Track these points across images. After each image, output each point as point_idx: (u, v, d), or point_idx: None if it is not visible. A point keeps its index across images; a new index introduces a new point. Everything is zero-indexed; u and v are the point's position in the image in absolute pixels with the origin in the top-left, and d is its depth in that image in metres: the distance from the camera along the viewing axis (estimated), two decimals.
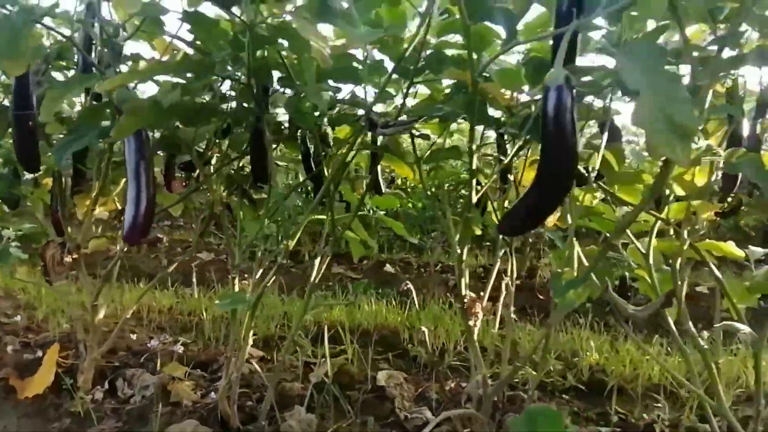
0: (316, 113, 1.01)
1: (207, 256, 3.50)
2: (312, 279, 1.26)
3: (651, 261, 1.20)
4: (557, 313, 0.96)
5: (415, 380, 1.58)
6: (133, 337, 1.89)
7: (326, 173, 1.51)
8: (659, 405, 1.57)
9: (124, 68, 1.10)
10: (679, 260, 1.05)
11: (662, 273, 1.36)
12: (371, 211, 1.77)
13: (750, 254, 1.34)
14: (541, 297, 2.98)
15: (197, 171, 1.38)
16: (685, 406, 1.65)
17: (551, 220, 1.21)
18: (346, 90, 1.13)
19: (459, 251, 1.01)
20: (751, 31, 0.93)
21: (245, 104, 0.97)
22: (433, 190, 1.46)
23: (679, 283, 1.02)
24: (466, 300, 1.01)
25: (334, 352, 1.88)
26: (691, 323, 0.98)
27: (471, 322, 1.02)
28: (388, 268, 3.58)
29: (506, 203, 1.39)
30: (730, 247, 1.35)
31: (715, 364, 1.40)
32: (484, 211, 1.55)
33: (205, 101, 0.95)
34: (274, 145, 1.55)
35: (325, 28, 0.96)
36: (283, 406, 1.31)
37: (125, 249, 1.51)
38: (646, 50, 0.60)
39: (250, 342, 1.19)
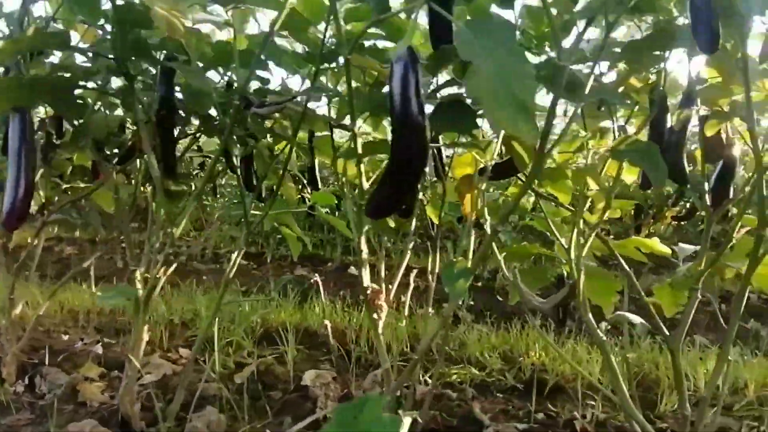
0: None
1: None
2: (226, 274, 1.22)
3: (572, 256, 1.18)
4: (450, 304, 0.93)
5: (344, 380, 1.54)
6: (65, 337, 1.84)
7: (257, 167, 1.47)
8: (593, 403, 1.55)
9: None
10: (583, 252, 1.02)
11: (593, 270, 1.36)
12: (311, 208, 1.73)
13: (679, 251, 1.33)
14: (500, 298, 2.96)
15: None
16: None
17: (467, 210, 1.18)
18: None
19: (358, 242, 0.98)
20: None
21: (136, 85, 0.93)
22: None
23: (582, 277, 1.00)
24: (368, 292, 0.98)
25: (273, 352, 1.84)
26: (591, 316, 0.96)
27: (375, 315, 0.99)
28: (353, 270, 3.54)
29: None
30: (656, 244, 1.34)
31: (624, 358, 1.39)
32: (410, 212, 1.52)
33: (69, 76, 0.91)
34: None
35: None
36: (200, 407, 1.27)
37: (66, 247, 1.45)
38: (494, 26, 0.58)
39: (145, 338, 1.15)
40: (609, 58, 1.03)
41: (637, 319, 0.87)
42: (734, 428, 1.53)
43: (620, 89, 1.13)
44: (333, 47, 1.02)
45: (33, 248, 1.49)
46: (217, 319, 2.08)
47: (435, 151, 1.41)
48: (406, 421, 0.45)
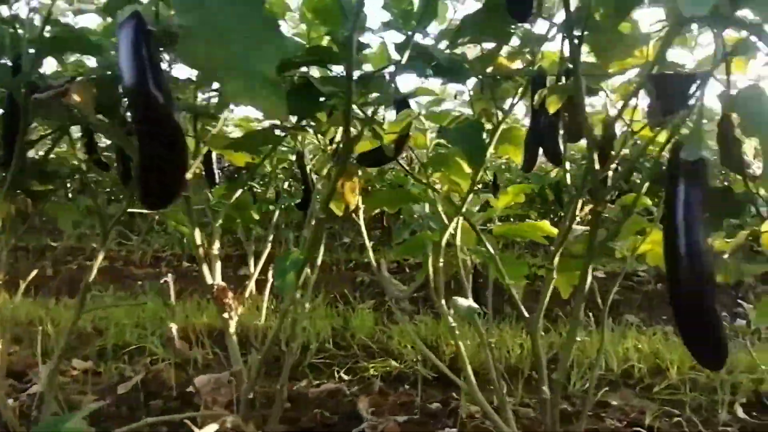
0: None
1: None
2: (87, 278, 1.14)
3: (456, 243, 1.15)
4: (286, 299, 0.88)
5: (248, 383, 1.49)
6: None
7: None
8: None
9: None
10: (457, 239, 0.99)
11: (501, 256, 1.33)
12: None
13: (573, 232, 1.31)
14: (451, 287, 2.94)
15: None
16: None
17: (349, 200, 1.14)
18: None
19: (196, 237, 0.92)
20: None
21: None
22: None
23: (441, 263, 0.97)
24: (214, 290, 0.92)
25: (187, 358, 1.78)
26: (444, 301, 0.92)
27: (225, 315, 0.94)
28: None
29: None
30: (546, 225, 1.32)
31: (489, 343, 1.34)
32: (307, 204, 1.47)
33: None
34: None
35: None
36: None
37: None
38: None
39: None
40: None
41: (465, 302, 0.84)
42: (651, 410, 1.52)
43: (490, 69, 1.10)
44: None
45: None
46: (133, 326, 2.02)
47: None
48: None
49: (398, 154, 1.09)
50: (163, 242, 3.93)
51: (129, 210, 1.14)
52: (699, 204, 0.59)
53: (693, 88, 0.60)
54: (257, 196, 1.79)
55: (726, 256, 0.86)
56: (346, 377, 1.69)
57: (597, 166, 0.76)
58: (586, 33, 0.73)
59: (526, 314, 0.96)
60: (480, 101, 1.32)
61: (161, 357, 1.76)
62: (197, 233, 0.91)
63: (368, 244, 1.03)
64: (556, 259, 0.93)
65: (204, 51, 0.46)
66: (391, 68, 1.05)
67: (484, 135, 0.76)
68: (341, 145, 1.02)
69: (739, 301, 2.70)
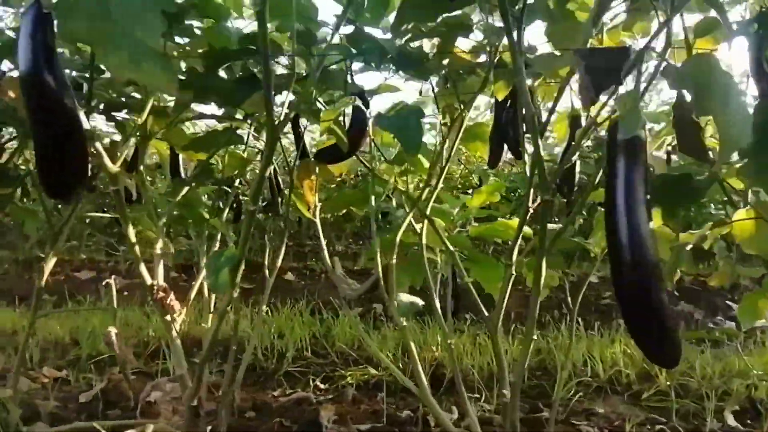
0: None
1: (86, 275, 3.29)
2: (38, 284, 1.11)
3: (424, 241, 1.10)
4: (223, 302, 0.84)
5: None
6: None
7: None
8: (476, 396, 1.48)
9: None
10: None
11: (479, 257, 1.28)
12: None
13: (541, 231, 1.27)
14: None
15: None
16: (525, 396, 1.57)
17: (308, 198, 1.10)
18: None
19: (130, 234, 0.88)
20: None
21: None
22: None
23: (394, 260, 0.92)
24: (154, 291, 0.88)
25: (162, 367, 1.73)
26: (395, 303, 0.87)
27: (168, 317, 0.90)
28: (288, 276, 3.43)
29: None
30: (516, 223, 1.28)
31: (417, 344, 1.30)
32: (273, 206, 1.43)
33: None
34: None
35: None
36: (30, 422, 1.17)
37: None
38: None
39: None
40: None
41: (408, 298, 0.79)
42: (640, 418, 1.46)
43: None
44: None
45: None
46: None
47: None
48: None
49: (354, 149, 1.05)
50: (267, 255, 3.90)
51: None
52: (638, 186, 0.55)
53: (628, 62, 0.55)
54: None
55: (689, 247, 0.81)
56: (322, 386, 1.64)
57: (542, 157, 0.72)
58: (526, 16, 0.70)
59: (486, 313, 0.91)
60: (445, 97, 1.29)
61: (134, 367, 1.72)
62: (131, 230, 0.88)
63: (323, 243, 0.99)
64: (514, 256, 0.88)
65: (86, 26, 0.43)
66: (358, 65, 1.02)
67: (425, 122, 0.72)
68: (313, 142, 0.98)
69: (731, 304, 2.62)
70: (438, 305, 1.08)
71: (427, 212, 1.14)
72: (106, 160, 0.81)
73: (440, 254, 1.32)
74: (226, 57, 0.86)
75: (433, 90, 1.23)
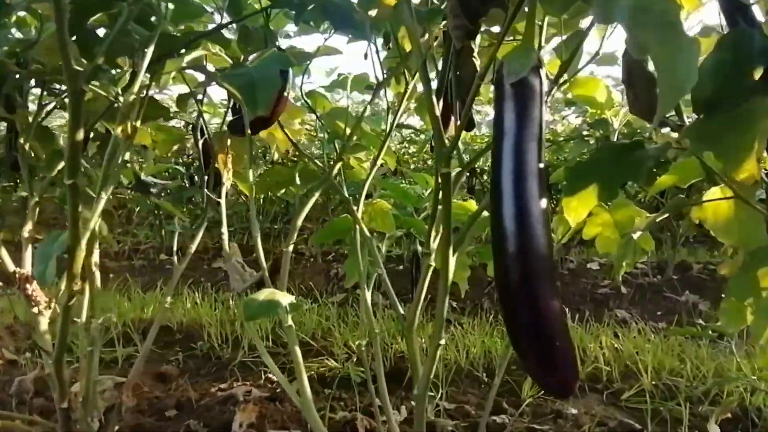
0: None
1: None
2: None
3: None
4: (62, 293, 0.71)
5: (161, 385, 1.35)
6: None
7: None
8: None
9: None
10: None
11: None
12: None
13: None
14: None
15: None
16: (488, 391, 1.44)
17: (225, 177, 0.97)
18: None
19: None
20: None
21: None
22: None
23: (289, 249, 0.79)
24: (17, 279, 0.77)
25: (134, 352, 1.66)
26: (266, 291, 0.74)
27: (35, 309, 0.78)
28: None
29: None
30: (472, 205, 1.13)
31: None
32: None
33: None
34: None
35: None
36: None
37: None
38: None
39: None
40: None
41: (265, 296, 0.65)
42: (616, 419, 1.31)
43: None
44: None
45: None
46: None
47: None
48: None
49: (271, 118, 0.91)
50: (144, 236, 3.86)
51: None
52: (528, 148, 0.40)
53: None
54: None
55: (637, 235, 0.65)
56: (275, 378, 1.53)
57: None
58: None
59: (402, 311, 0.78)
60: (389, 62, 1.14)
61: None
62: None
63: (224, 229, 0.87)
64: (434, 242, 0.73)
65: None
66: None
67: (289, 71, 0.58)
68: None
69: None
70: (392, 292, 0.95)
71: (364, 192, 1.01)
72: None
73: (386, 240, 1.18)
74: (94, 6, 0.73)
75: (376, 51, 1.08)
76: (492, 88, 0.50)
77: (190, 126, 1.22)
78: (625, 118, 1.07)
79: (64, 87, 0.93)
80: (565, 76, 0.83)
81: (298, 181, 0.94)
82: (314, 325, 1.93)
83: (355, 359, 1.64)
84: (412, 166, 3.71)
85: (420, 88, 1.05)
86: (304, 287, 2.65)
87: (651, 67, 0.62)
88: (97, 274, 1.06)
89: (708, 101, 0.47)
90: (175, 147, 1.32)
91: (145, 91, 0.75)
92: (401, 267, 2.96)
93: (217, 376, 1.56)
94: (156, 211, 3.58)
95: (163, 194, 1.20)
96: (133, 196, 3.99)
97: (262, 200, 3.72)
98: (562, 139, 3.07)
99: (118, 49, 0.69)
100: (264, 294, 0.64)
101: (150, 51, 0.72)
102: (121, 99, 0.72)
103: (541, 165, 0.40)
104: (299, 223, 0.85)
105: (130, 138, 0.82)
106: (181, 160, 3.54)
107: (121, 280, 2.57)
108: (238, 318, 1.89)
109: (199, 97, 1.15)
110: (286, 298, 0.65)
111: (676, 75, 0.40)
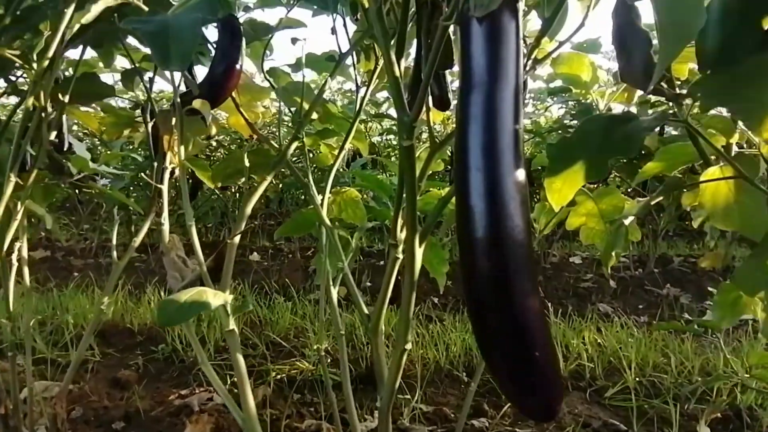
0: None
1: (40, 254, 3.09)
2: None
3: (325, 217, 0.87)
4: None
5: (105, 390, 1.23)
6: None
7: None
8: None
9: None
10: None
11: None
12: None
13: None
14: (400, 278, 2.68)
15: None
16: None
17: (172, 160, 0.87)
18: None
19: None
20: None
21: None
22: None
23: (234, 241, 0.70)
24: None
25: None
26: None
27: None
28: (254, 256, 3.22)
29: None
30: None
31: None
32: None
33: None
34: None
35: None
36: None
37: None
38: None
39: None
40: None
41: (188, 296, 0.56)
42: (600, 419, 1.25)
43: None
44: None
45: None
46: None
47: None
48: None
49: (220, 96, 0.81)
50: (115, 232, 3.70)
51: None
52: (500, 97, 0.31)
53: None
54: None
55: (628, 220, 0.58)
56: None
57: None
58: None
59: (366, 311, 0.69)
60: (360, 35, 1.05)
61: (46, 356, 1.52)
62: None
63: (165, 219, 0.77)
64: (401, 233, 0.65)
65: None
66: None
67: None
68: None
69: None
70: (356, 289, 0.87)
71: (330, 178, 0.92)
72: None
73: (356, 233, 1.09)
74: None
75: (344, 25, 0.98)
76: (456, 29, 0.42)
77: (140, 108, 1.11)
78: (611, 99, 1.00)
79: None
80: (549, 48, 0.75)
81: (246, 163, 0.84)
82: (288, 323, 1.83)
83: (329, 360, 1.56)
84: (393, 159, 3.63)
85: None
86: (280, 284, 2.55)
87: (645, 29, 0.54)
88: (26, 270, 0.95)
89: (716, 54, 0.39)
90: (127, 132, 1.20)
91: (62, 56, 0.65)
92: (382, 262, 2.88)
93: (178, 381, 1.46)
94: (127, 207, 3.42)
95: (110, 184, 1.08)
96: (100, 189, 3.82)
97: (237, 194, 3.59)
98: (544, 131, 3.01)
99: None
100: (189, 294, 0.54)
101: (70, 11, 0.62)
102: (35, 66, 0.61)
103: (518, 126, 0.32)
104: (248, 210, 0.76)
105: (57, 115, 0.72)
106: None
107: (85, 279, 2.43)
108: (204, 318, 1.79)
109: (149, 74, 1.05)
110: (217, 299, 0.55)
111: (680, 14, 0.32)
